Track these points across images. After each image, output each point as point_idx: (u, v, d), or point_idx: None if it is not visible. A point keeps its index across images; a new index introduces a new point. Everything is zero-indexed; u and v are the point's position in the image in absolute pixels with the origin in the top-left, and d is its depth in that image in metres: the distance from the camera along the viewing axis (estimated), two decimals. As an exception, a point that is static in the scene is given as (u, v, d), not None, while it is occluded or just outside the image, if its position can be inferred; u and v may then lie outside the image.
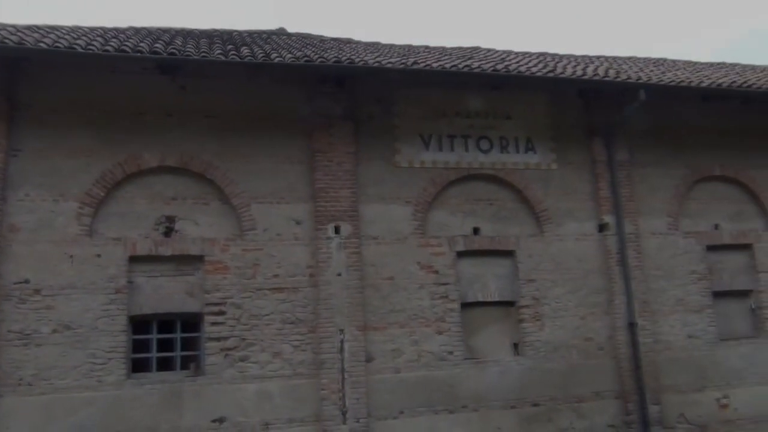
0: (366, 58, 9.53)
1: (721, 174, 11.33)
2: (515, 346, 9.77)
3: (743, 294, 11.09)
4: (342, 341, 8.77)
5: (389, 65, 9.24)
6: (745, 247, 11.20)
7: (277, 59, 8.84)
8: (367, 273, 9.18)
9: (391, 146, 9.76)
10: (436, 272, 9.52)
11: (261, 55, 9.00)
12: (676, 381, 10.21)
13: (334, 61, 8.98)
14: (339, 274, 8.94)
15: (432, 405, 9.07)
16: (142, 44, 8.58)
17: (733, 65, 14.63)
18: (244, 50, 9.17)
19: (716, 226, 11.11)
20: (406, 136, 9.84)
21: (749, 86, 10.95)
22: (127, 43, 8.47)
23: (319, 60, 8.98)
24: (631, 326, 10.03)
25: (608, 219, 10.37)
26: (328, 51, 10.05)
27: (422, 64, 9.47)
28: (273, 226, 8.95)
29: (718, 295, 10.85)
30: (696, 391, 10.31)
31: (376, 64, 9.19)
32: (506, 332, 9.81)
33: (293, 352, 8.68)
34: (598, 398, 9.81)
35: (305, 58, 8.96)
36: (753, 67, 14.57)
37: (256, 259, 8.79)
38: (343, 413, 8.56)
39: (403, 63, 9.43)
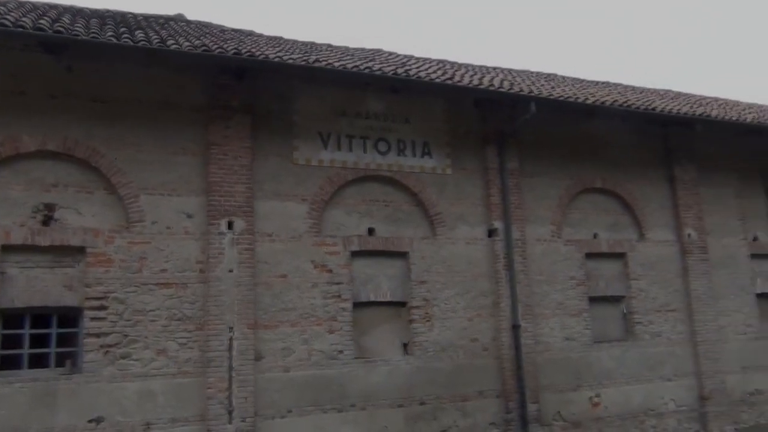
0: (267, 52, 9.77)
1: (602, 186, 12.54)
2: (405, 345, 10.34)
3: (616, 299, 12.34)
4: (231, 339, 8.94)
5: (290, 61, 9.54)
6: (620, 256, 12.47)
7: (174, 46, 8.89)
8: (260, 270, 9.42)
9: (290, 143, 10.06)
10: (330, 271, 9.91)
11: (156, 40, 9.01)
12: (554, 381, 11.20)
13: (234, 53, 9.15)
14: (230, 271, 9.11)
15: (321, 404, 9.44)
16: (24, 19, 8.34)
17: (617, 85, 16.17)
18: (139, 34, 9.12)
19: (595, 235, 12.29)
20: (305, 133, 10.18)
21: (629, 105, 12.24)
22: (7, 17, 8.20)
23: (218, 50, 9.12)
24: (515, 328, 10.90)
25: (497, 225, 11.21)
26: (228, 42, 10.19)
27: (324, 63, 9.84)
28: (162, 219, 8.98)
29: (594, 300, 12.01)
30: (571, 390, 11.36)
31: (277, 59, 9.46)
32: (397, 332, 10.37)
33: (179, 350, 8.75)
34: (482, 397, 10.58)
35: (203, 48, 9.07)
36: (634, 88, 16.20)
37: (142, 253, 8.78)
38: (230, 412, 8.73)
39: (304, 60, 9.75)
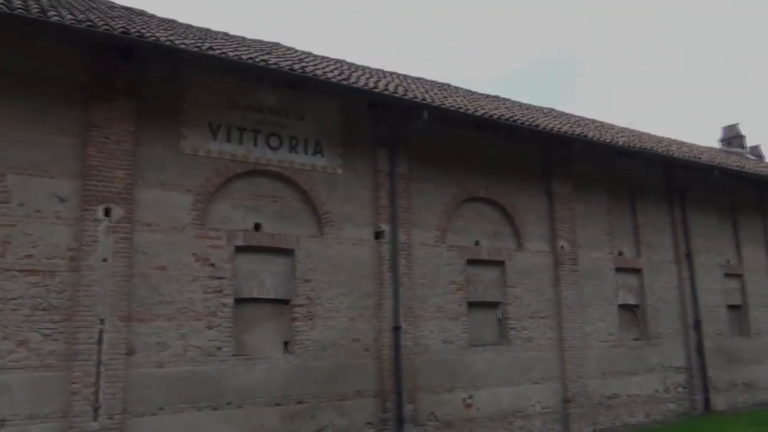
0: (158, 34, 9.52)
1: (486, 196, 13.21)
2: (286, 344, 10.38)
3: (493, 305, 13.04)
4: (101, 332, 8.63)
5: (182, 46, 9.35)
6: (499, 264, 13.18)
7: (55, 18, 8.46)
8: (137, 261, 9.15)
9: (177, 131, 9.85)
10: (212, 265, 9.79)
11: (36, 10, 8.53)
12: (431, 382, 11.65)
13: (121, 32, 8.85)
14: (105, 260, 8.79)
15: (195, 401, 9.30)
16: None
17: (505, 100, 17.08)
18: (16, 2, 8.59)
19: (477, 243, 12.92)
20: (194, 122, 10.00)
21: (515, 120, 12.98)
22: None
23: (104, 27, 8.79)
24: (396, 330, 11.25)
25: (384, 227, 11.52)
26: (117, 19, 9.83)
27: (218, 51, 9.73)
28: (31, 201, 8.52)
29: (473, 305, 12.63)
30: (447, 392, 11.86)
31: (168, 43, 9.24)
32: (278, 330, 10.40)
33: (43, 342, 8.33)
34: (360, 397, 10.82)
35: (88, 23, 8.71)
36: (521, 104, 17.18)
37: (6, 236, 8.29)
38: (95, 409, 8.41)
39: (197, 46, 9.60)
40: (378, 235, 11.51)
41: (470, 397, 12.12)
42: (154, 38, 9.16)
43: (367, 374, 10.98)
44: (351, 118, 11.63)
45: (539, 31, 66.32)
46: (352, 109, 11.61)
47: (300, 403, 10.21)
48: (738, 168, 18.06)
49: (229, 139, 10.30)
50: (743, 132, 27.25)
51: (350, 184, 11.43)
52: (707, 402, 15.96)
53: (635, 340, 15.30)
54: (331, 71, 11.52)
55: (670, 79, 72.73)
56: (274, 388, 10.00)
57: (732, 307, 17.78)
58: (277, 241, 10.51)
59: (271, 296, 10.41)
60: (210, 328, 9.61)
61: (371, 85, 11.54)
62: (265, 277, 10.39)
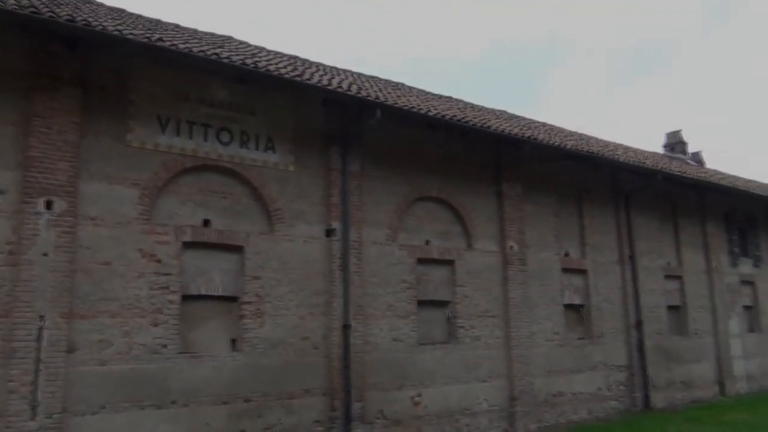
0: (105, 24, 9.30)
1: (437, 196, 13.35)
2: (234, 341, 10.28)
3: (442, 304, 13.19)
4: (41, 329, 8.38)
5: (130, 36, 9.16)
6: (449, 263, 13.34)
7: (-3, 4, 8.16)
8: (81, 256, 8.93)
9: (124, 123, 9.64)
10: (159, 261, 9.62)
11: (-25, -6, 8.21)
12: (380, 380, 11.72)
13: (67, 20, 8.62)
14: (45, 255, 8.54)
15: (139, 400, 9.13)
16: None
17: (458, 101, 17.30)
18: (-46, -16, 8.26)
19: (427, 242, 13.05)
20: (142, 115, 9.81)
21: (467, 121, 13.15)
22: None
23: (49, 14, 8.54)
24: (345, 328, 11.27)
25: (336, 225, 11.53)
26: (62, 6, 9.56)
27: (168, 43, 9.57)
28: (-33, 193, 8.19)
29: (423, 303, 12.75)
30: (395, 390, 11.94)
31: (116, 32, 9.03)
32: (226, 327, 10.29)
33: (-23, 339, 8.02)
34: (308, 395, 10.80)
35: (31, 9, 8.44)
36: (473, 105, 17.41)
37: (-60, 229, 7.95)
38: (33, 408, 8.18)
39: (146, 37, 9.42)
40: (329, 232, 11.51)
41: (419, 395, 12.24)
42: (101, 27, 8.94)
43: (316, 372, 10.96)
44: (304, 115, 11.59)
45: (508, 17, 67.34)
46: (305, 106, 11.57)
47: (247, 401, 10.12)
48: (680, 173, 18.73)
49: (178, 133, 10.13)
50: (685, 139, 28.33)
51: (302, 181, 11.40)
52: (647, 399, 16.52)
53: (580, 339, 15.71)
54: (284, 67, 11.45)
55: (619, 85, 74.88)
56: (221, 386, 9.89)
57: (671, 308, 18.45)
58: (226, 237, 10.39)
59: (220, 293, 10.28)
60: (155, 325, 9.44)
61: (325, 82, 11.52)
62: (213, 274, 10.27)
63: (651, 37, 73.60)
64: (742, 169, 39.15)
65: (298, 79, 10.82)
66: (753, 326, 21.55)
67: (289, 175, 11.25)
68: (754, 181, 26.81)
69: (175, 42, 9.82)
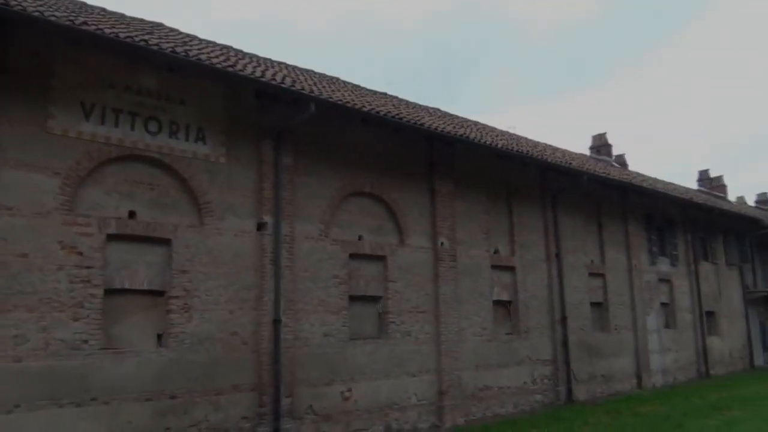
0: (26, 4, 8.86)
1: (370, 191, 13.41)
2: (159, 337, 10.03)
3: (374, 299, 13.27)
4: (-50, 323, 7.93)
5: (53, 18, 8.78)
6: (381, 259, 13.43)
7: None
8: (-5, 247, 8.49)
9: (45, 109, 9.25)
10: (81, 254, 9.29)
11: None
12: (310, 375, 11.69)
13: (-16, -2, 8.16)
14: (-44, 245, 8.08)
15: (57, 397, 8.79)
16: None
17: (392, 97, 17.40)
18: None
19: (360, 237, 13.09)
20: (65, 101, 9.43)
21: (401, 118, 13.26)
22: None
23: (-36, -9, 8.06)
24: (276, 323, 11.17)
25: (268, 219, 11.41)
26: (-23, -16, 9.02)
27: (93, 27, 9.22)
28: None
29: (354, 299, 12.80)
30: (325, 385, 11.94)
31: (37, 14, 8.64)
32: (152, 322, 10.03)
33: None
34: (236, 391, 10.66)
35: (-56, -15, 7.96)
36: (407, 102, 17.57)
37: None
38: (-60, 407, 7.73)
39: (70, 20, 9.05)
40: (261, 226, 11.37)
41: (349, 390, 12.27)
42: (20, 8, 8.53)
43: (244, 368, 10.83)
44: (236, 107, 11.40)
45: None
46: (237, 97, 11.39)
47: (173, 398, 9.90)
48: (604, 175, 19.49)
49: (103, 121, 9.78)
50: (610, 141, 29.46)
51: (233, 174, 11.22)
52: (570, 393, 17.12)
53: (507, 334, 16.13)
54: (217, 57, 11.24)
55: (550, 86, 77.06)
56: (145, 382, 9.63)
57: (594, 304, 19.19)
58: (152, 229, 10.12)
59: (145, 287, 10.00)
60: (76, 320, 9.10)
61: (258, 74, 11.37)
62: (139, 268, 9.98)
63: (584, 53, 76.12)
64: (663, 173, 41.05)
65: (230, 69, 10.64)
66: (669, 322, 22.67)
67: (219, 167, 11.05)
68: (673, 184, 28.21)
69: (101, 27, 9.47)
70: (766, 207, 36.73)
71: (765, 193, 39.27)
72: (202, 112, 10.94)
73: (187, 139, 10.68)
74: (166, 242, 10.25)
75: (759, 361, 27.98)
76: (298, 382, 11.45)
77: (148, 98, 10.31)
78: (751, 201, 38.12)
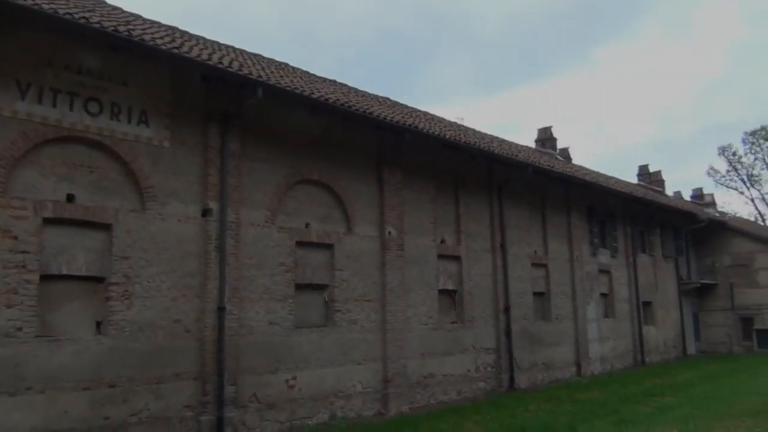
0: (-43, -25, 8.44)
1: (318, 179, 13.36)
2: (98, 324, 9.78)
3: (321, 287, 13.25)
4: None
5: (-13, -9, 8.37)
6: (328, 247, 13.41)
7: None
8: None
9: (-23, 86, 8.83)
10: (15, 238, 8.96)
11: None
12: (254, 363, 11.61)
13: None
14: None
15: (-12, 387, 8.46)
16: None
17: (342, 85, 17.34)
18: None
19: (307, 225, 13.04)
20: (-1, 78, 9.03)
21: (350, 106, 13.23)
22: None
23: None
24: (220, 310, 11.04)
25: (213, 205, 11.24)
26: None
27: (30, 2, 8.85)
28: None
29: (300, 287, 12.76)
30: (270, 373, 11.88)
31: (-31, -14, 8.24)
32: (91, 309, 9.77)
33: None
34: (179, 379, 10.50)
35: None
36: (357, 91, 17.53)
37: None
38: None
39: (6, -6, 8.64)
40: (205, 212, 11.20)
41: (293, 379, 12.24)
42: (-49, -22, 8.12)
43: (187, 356, 10.67)
44: (181, 90, 11.16)
45: (379, 22, 67.81)
46: (182, 80, 11.15)
47: (112, 386, 9.68)
48: (548, 167, 19.93)
49: (40, 101, 9.43)
50: (555, 135, 30.10)
51: (177, 158, 10.99)
52: (512, 380, 17.53)
53: (452, 323, 16.37)
54: (162, 38, 10.96)
55: (499, 80, 78.12)
56: (82, 371, 9.39)
57: (537, 294, 19.66)
58: (92, 214, 9.83)
59: (84, 273, 9.72)
60: (9, 306, 8.78)
61: (204, 57, 11.15)
62: (77, 253, 9.69)
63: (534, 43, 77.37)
64: (606, 167, 42.23)
65: (175, 51, 10.40)
66: (608, 312, 23.43)
67: (163, 151, 10.81)
68: (614, 178, 29.06)
69: (38, 2, 9.10)
70: (701, 202, 38.25)
71: (700, 189, 40.90)
72: (146, 94, 10.67)
73: (129, 122, 10.40)
74: (106, 227, 9.98)
75: (691, 349, 29.22)
76: (243, 371, 11.36)
77: (88, 78, 9.98)
78: (687, 196, 39.63)
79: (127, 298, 10.04)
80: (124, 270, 10.06)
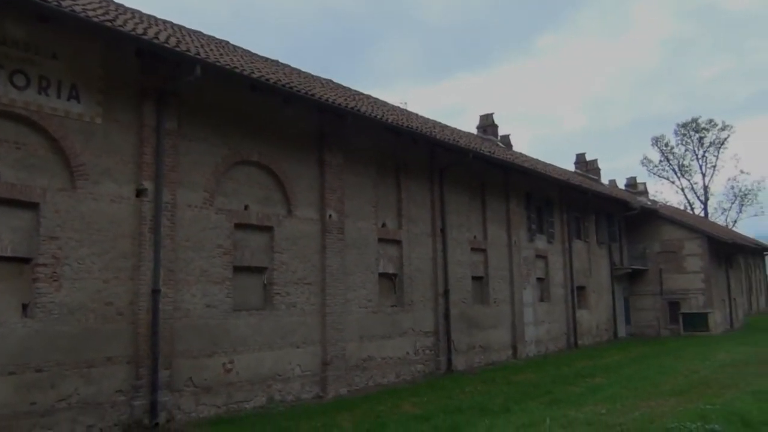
0: None
1: (258, 160, 13.17)
2: (24, 307, 9.43)
3: (259, 270, 13.12)
4: None
5: None
6: (268, 229, 13.28)
7: None
8: None
9: None
10: (-67, 216, 8.50)
11: None
12: (190, 347, 11.43)
13: None
14: None
15: None
16: None
17: (285, 65, 17.11)
18: None
19: (246, 207, 12.87)
20: None
21: (291, 87, 13.07)
22: None
23: None
24: (155, 293, 10.81)
25: (148, 185, 10.96)
26: None
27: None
28: None
29: (239, 269, 12.61)
30: (206, 357, 11.73)
31: None
32: (16, 291, 9.41)
33: None
34: (111, 363, 10.25)
35: None
36: (300, 72, 17.33)
37: None
38: None
39: None
40: (140, 192, 10.90)
41: (231, 362, 12.12)
42: None
43: (120, 339, 10.42)
44: (115, 65, 10.78)
45: None
46: (116, 55, 10.77)
47: (39, 371, 9.37)
48: (488, 153, 20.23)
49: (-39, 72, 8.95)
50: (497, 122, 30.54)
51: (111, 136, 10.64)
52: (450, 363, 17.83)
53: (392, 306, 16.50)
54: (94, 10, 10.52)
55: (444, 66, 78.47)
56: (7, 355, 9.04)
57: (475, 278, 20.01)
58: (18, 192, 9.43)
59: (8, 254, 9.34)
60: (-74, 287, 8.37)
61: (140, 31, 10.77)
62: (1, 232, 9.29)
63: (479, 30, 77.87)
64: (545, 155, 43.20)
65: (108, 24, 10.01)
66: (543, 296, 24.07)
67: (95, 128, 10.44)
68: (553, 166, 29.76)
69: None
70: (634, 190, 39.63)
71: (634, 178, 42.37)
72: (77, 68, 10.26)
73: (59, 97, 9.99)
74: (33, 206, 9.59)
75: (622, 332, 30.36)
76: (178, 354, 11.18)
77: (14, 49, 9.52)
78: (622, 185, 40.99)
79: (55, 280, 9.70)
80: (52, 251, 9.71)
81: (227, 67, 11.79)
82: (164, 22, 14.40)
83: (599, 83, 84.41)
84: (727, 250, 35.49)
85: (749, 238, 49.81)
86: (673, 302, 31.35)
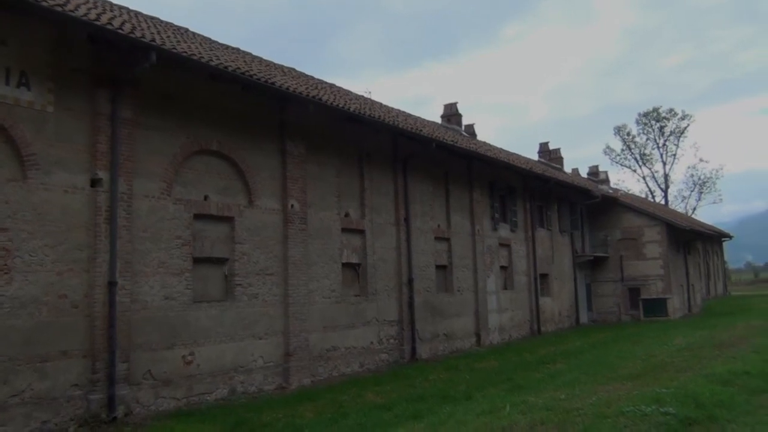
0: None
1: (218, 149, 12.99)
2: (-27, 301, 9.16)
3: (220, 261, 12.97)
4: None
5: None
6: (228, 220, 13.12)
7: None
8: None
9: None
10: None
11: None
12: (149, 339, 11.26)
13: None
14: None
15: None
16: None
17: (246, 53, 16.88)
18: None
19: (206, 197, 12.69)
20: None
21: (251, 75, 12.89)
22: None
23: None
24: (111, 285, 10.61)
25: (103, 175, 10.72)
26: None
27: None
28: None
29: (198, 260, 12.44)
30: (166, 349, 11.57)
31: None
32: (-36, 285, 9.11)
33: None
34: (66, 357, 10.04)
35: None
36: (261, 60, 17.10)
37: None
38: None
39: None
40: (95, 183, 10.66)
41: (191, 354, 11.99)
42: None
43: (75, 333, 10.21)
44: (67, 51, 10.50)
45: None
46: (68, 41, 10.48)
47: (-10, 366, 9.14)
48: (451, 143, 20.28)
49: None
50: (462, 111, 30.69)
51: (63, 125, 10.37)
52: (414, 351, 17.92)
53: (356, 296, 16.49)
54: (44, -6, 10.20)
55: (409, 56, 78.38)
56: (-45, 351, 8.80)
57: (439, 267, 20.12)
58: (-35, 182, 9.15)
59: (-44, 246, 9.07)
60: None
61: (92, 16, 10.46)
62: (-53, 224, 9.01)
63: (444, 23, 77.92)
64: (509, 144, 43.58)
65: (58, 8, 9.70)
66: (507, 284, 24.33)
67: (47, 116, 10.16)
68: (516, 155, 30.01)
69: None
70: (596, 179, 40.24)
71: (596, 166, 43.04)
72: (27, 54, 9.95)
73: (7, 84, 9.69)
74: (-19, 197, 9.31)
75: (584, 319, 30.90)
76: (136, 347, 11.01)
77: (-42, 34, 9.20)
78: (584, 173, 41.60)
79: (6, 273, 9.45)
80: (2, 243, 9.45)
81: (184, 54, 11.56)
82: (120, 7, 14.05)
83: (564, 73, 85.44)
84: (686, 237, 36.33)
85: (708, 225, 51.13)
86: (634, 288, 31.99)
